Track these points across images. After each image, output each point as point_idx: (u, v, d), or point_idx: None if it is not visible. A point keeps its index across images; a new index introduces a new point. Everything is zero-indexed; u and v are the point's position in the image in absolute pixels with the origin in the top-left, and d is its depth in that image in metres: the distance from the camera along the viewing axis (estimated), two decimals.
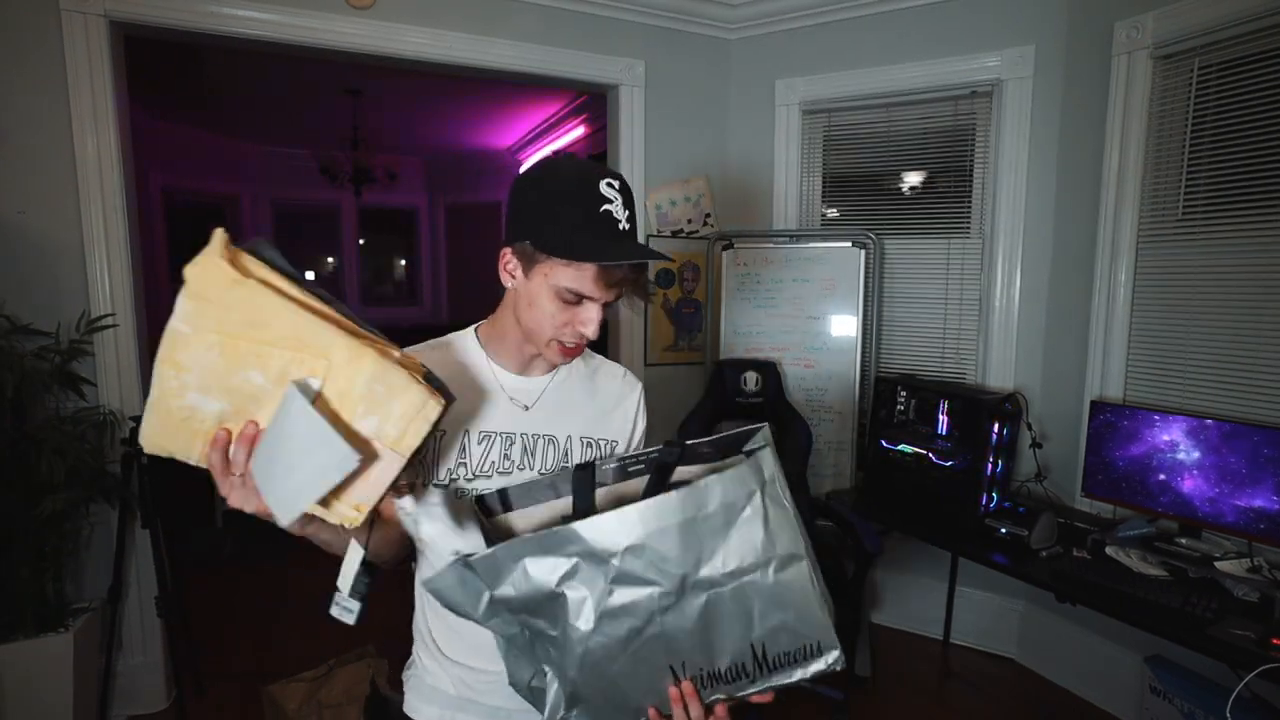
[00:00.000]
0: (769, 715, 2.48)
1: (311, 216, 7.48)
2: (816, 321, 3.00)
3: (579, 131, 5.46)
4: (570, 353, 1.02)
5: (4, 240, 2.17)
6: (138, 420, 2.29)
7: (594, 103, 4.76)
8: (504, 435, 1.07)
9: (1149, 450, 2.18)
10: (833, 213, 3.20)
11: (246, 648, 2.91)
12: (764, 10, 3.03)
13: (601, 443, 1.13)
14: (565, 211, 0.92)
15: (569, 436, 1.10)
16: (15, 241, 2.18)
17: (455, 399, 0.82)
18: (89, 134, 2.23)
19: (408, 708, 1.16)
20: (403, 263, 8.17)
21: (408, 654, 1.26)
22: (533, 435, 1.09)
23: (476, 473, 1.06)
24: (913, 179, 3.03)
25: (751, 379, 2.81)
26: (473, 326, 1.17)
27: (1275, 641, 1.62)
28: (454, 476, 1.06)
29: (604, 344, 3.21)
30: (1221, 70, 2.15)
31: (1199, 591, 1.86)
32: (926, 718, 2.53)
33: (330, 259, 7.77)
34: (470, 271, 7.84)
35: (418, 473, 1.04)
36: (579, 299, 0.95)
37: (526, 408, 1.09)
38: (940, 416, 2.51)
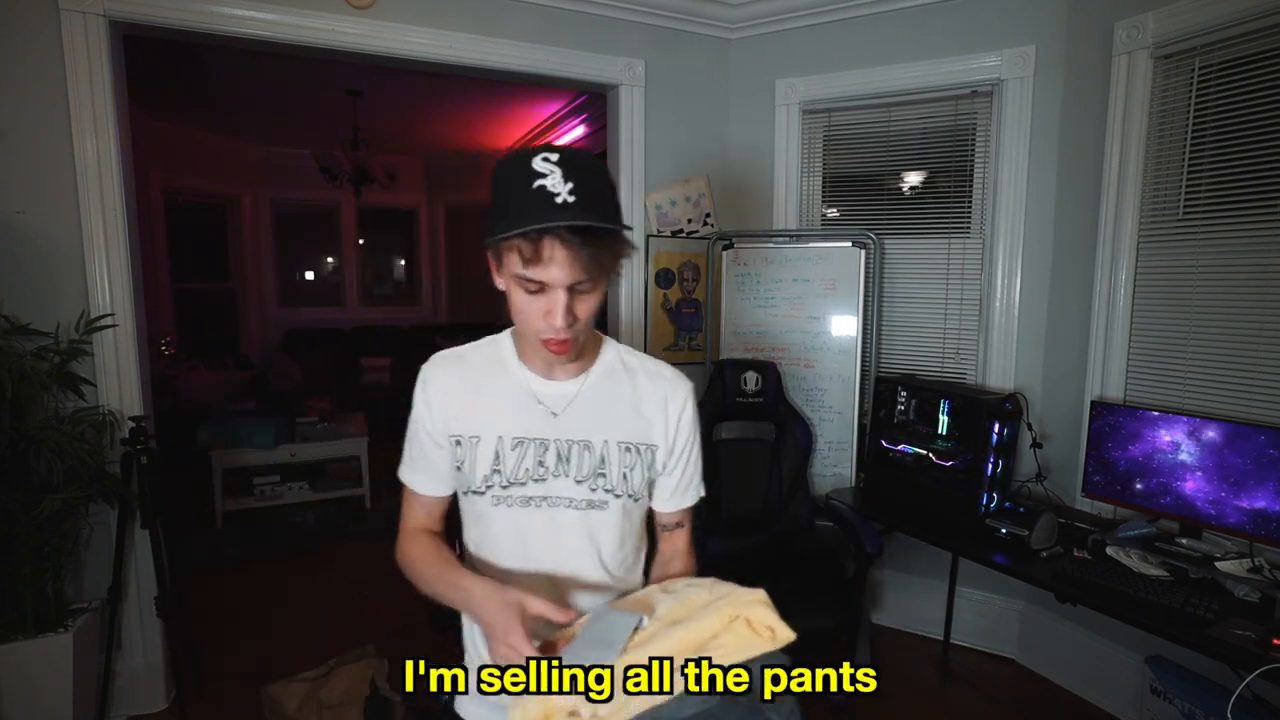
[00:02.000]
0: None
1: (311, 216, 7.49)
2: (817, 321, 3.00)
3: (579, 131, 5.46)
4: (557, 348, 0.97)
5: (3, 240, 2.17)
6: (137, 420, 2.29)
7: (594, 102, 4.77)
8: (537, 441, 1.05)
9: (1150, 450, 2.18)
10: (833, 213, 3.20)
11: (246, 648, 2.91)
12: (764, 10, 3.03)
13: (641, 448, 1.09)
14: (500, 196, 0.92)
15: (605, 441, 1.06)
16: (14, 241, 2.18)
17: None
18: (88, 134, 2.22)
19: (459, 707, 1.16)
20: (402, 263, 8.18)
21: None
22: (565, 441, 1.05)
23: (511, 479, 1.05)
24: (913, 179, 3.03)
25: (751, 379, 2.81)
26: (512, 327, 1.12)
27: (1276, 642, 1.62)
28: (490, 484, 1.05)
29: None
30: (1222, 70, 2.15)
31: (1200, 592, 1.86)
32: (927, 718, 2.53)
33: (330, 259, 7.77)
34: (470, 271, 7.84)
35: None
36: (539, 286, 0.91)
37: (555, 414, 1.06)
38: (940, 417, 2.51)
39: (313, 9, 2.45)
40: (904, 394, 2.63)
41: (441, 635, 2.20)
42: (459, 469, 1.09)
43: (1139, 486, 2.21)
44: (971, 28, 2.69)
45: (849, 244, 2.93)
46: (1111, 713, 2.48)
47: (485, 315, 7.55)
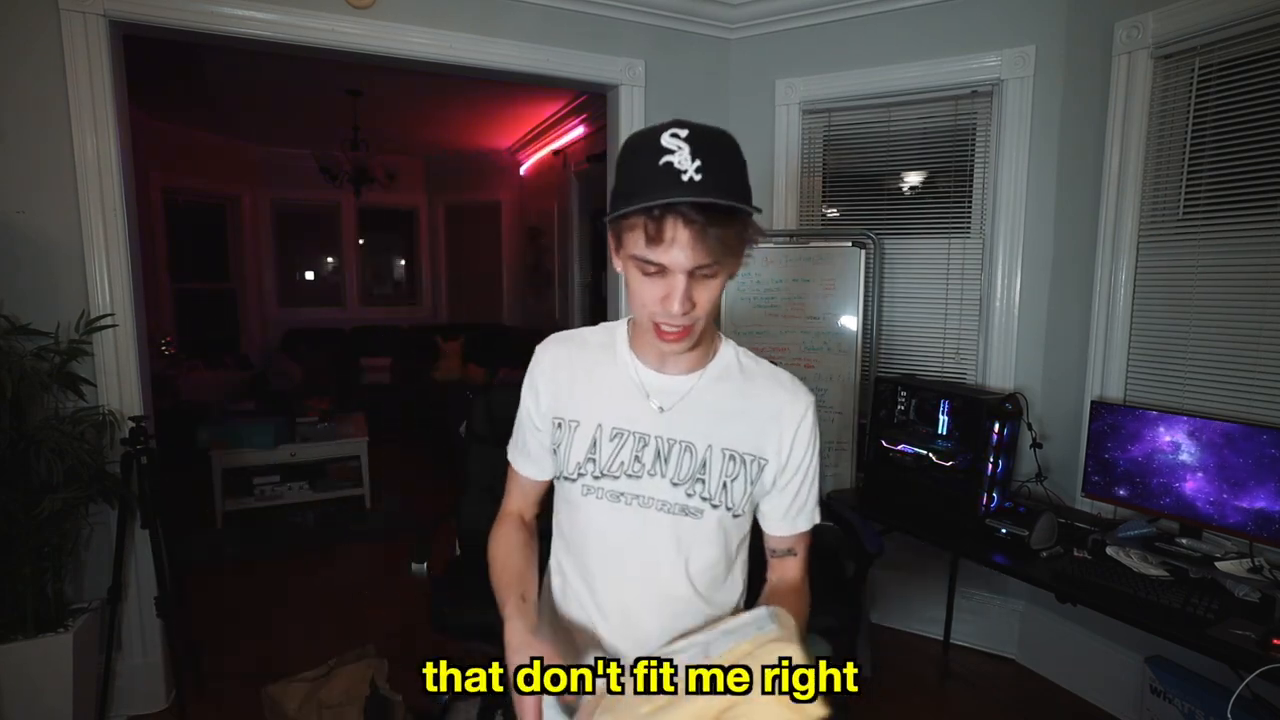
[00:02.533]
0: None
1: (311, 216, 7.49)
2: (817, 321, 3.00)
3: (579, 131, 5.46)
4: (670, 337, 0.92)
5: (4, 240, 2.17)
6: (137, 420, 2.29)
7: (594, 102, 4.76)
8: (637, 435, 1.01)
9: (1150, 450, 2.18)
10: (833, 212, 3.20)
11: (246, 648, 2.91)
12: (764, 10, 3.03)
13: (748, 459, 1.02)
14: (626, 174, 0.88)
15: (709, 446, 1.00)
16: (15, 241, 2.18)
17: None
18: (89, 134, 2.22)
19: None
20: (402, 262, 8.18)
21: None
22: (667, 440, 1.00)
23: (604, 471, 1.01)
24: (913, 179, 3.03)
25: None
26: (629, 315, 1.08)
27: (1276, 642, 1.62)
28: (582, 472, 1.02)
29: None
30: (1222, 70, 2.15)
31: (1200, 592, 1.86)
32: (927, 718, 2.53)
33: (330, 259, 7.77)
34: (470, 271, 7.84)
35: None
36: (658, 268, 0.87)
37: (662, 409, 1.01)
38: (941, 416, 2.51)
39: (312, 9, 2.45)
40: (904, 394, 2.63)
41: (441, 635, 2.21)
42: (555, 452, 1.06)
43: (1139, 486, 2.21)
44: (971, 28, 2.69)
45: (849, 244, 2.93)
46: (1111, 713, 2.48)
47: (486, 315, 7.57)
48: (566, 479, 1.05)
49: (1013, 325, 2.74)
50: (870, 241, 2.92)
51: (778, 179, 3.15)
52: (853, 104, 3.01)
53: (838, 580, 2.45)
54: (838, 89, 2.99)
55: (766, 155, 3.15)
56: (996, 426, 2.41)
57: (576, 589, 1.08)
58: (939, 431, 2.51)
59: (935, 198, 2.97)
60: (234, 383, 6.08)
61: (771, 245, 3.10)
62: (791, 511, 1.07)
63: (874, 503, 2.70)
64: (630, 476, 1.00)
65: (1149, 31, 2.26)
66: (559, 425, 1.05)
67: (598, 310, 5.49)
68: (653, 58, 3.03)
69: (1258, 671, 1.56)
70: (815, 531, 1.13)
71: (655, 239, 0.84)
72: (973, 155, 2.82)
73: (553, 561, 1.15)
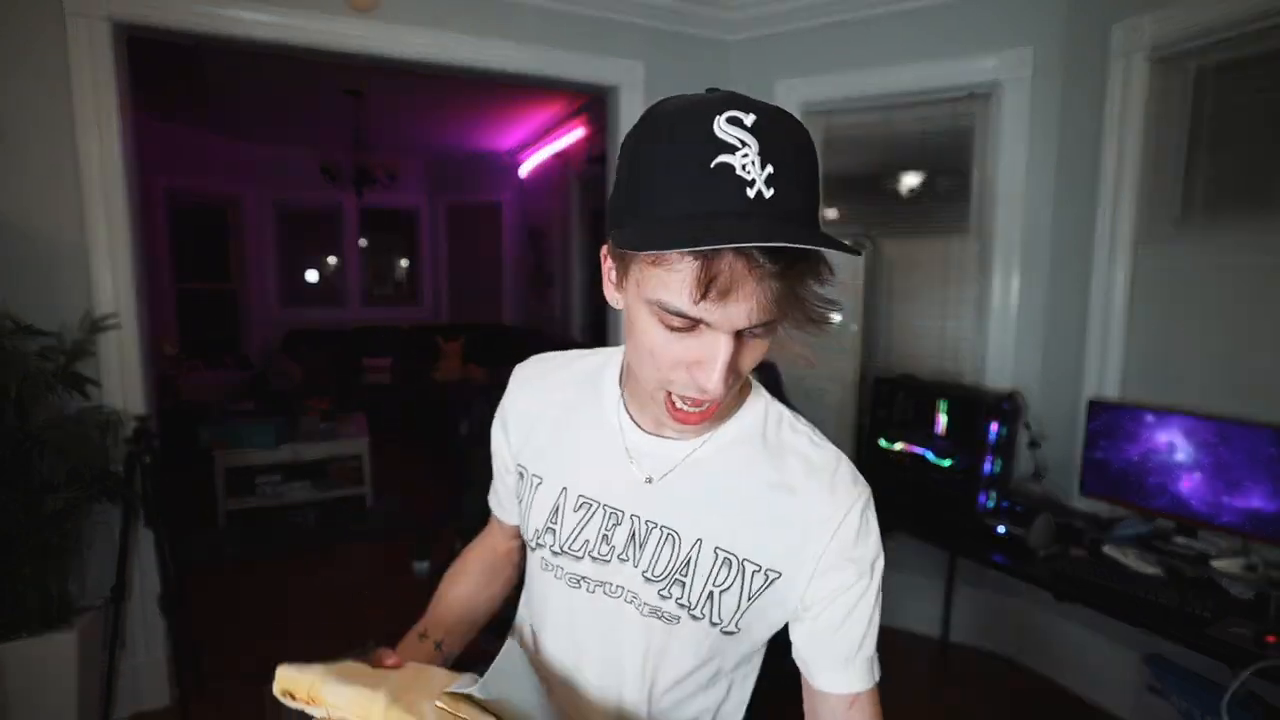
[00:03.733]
0: (768, 716, 2.50)
1: (313, 217, 7.50)
2: None
3: (579, 133, 5.48)
4: (690, 418, 0.67)
5: (7, 241, 2.18)
6: (141, 420, 2.31)
7: (594, 104, 4.78)
8: (609, 510, 0.78)
9: (1146, 450, 2.19)
10: (832, 214, 3.21)
11: (249, 646, 2.92)
12: (764, 12, 3.04)
13: (748, 567, 0.74)
14: (658, 177, 0.59)
15: (698, 541, 0.75)
16: (18, 242, 2.20)
17: None
18: (92, 136, 2.24)
19: None
20: (404, 263, 8.19)
21: None
22: (646, 521, 0.76)
23: (564, 547, 0.80)
24: (911, 180, 3.04)
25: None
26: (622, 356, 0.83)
27: (1270, 639, 1.63)
28: (540, 542, 0.82)
29: None
30: (1219, 72, 2.16)
31: (1196, 590, 1.87)
32: (924, 717, 2.54)
33: (332, 259, 7.79)
34: (471, 272, 7.86)
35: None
36: (691, 323, 0.60)
37: (650, 479, 0.77)
38: (938, 416, 2.52)
39: (315, 11, 2.46)
40: (902, 393, 2.64)
41: None
42: (519, 502, 0.88)
43: (1136, 486, 2.22)
44: (970, 30, 2.70)
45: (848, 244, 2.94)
46: (1109, 710, 2.49)
47: (487, 316, 7.58)
48: (527, 544, 0.87)
49: (1010, 325, 2.75)
50: (869, 242, 2.93)
51: None
52: (852, 106, 3.02)
53: None
54: (837, 91, 3.00)
55: None
56: (994, 426, 2.42)
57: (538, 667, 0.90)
58: (937, 431, 2.52)
59: (934, 199, 2.98)
60: (235, 383, 6.10)
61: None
62: (843, 659, 0.77)
63: (872, 502, 2.71)
64: (596, 560, 0.78)
65: (1147, 34, 2.27)
66: (521, 476, 0.86)
67: (598, 312, 5.50)
68: (652, 59, 3.04)
69: (1253, 668, 1.58)
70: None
71: (706, 282, 0.56)
72: (971, 156, 2.83)
73: (518, 624, 0.98)
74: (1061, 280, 2.63)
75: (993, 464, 2.44)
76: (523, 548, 0.99)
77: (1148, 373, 2.37)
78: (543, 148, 6.28)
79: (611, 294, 0.70)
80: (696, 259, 0.56)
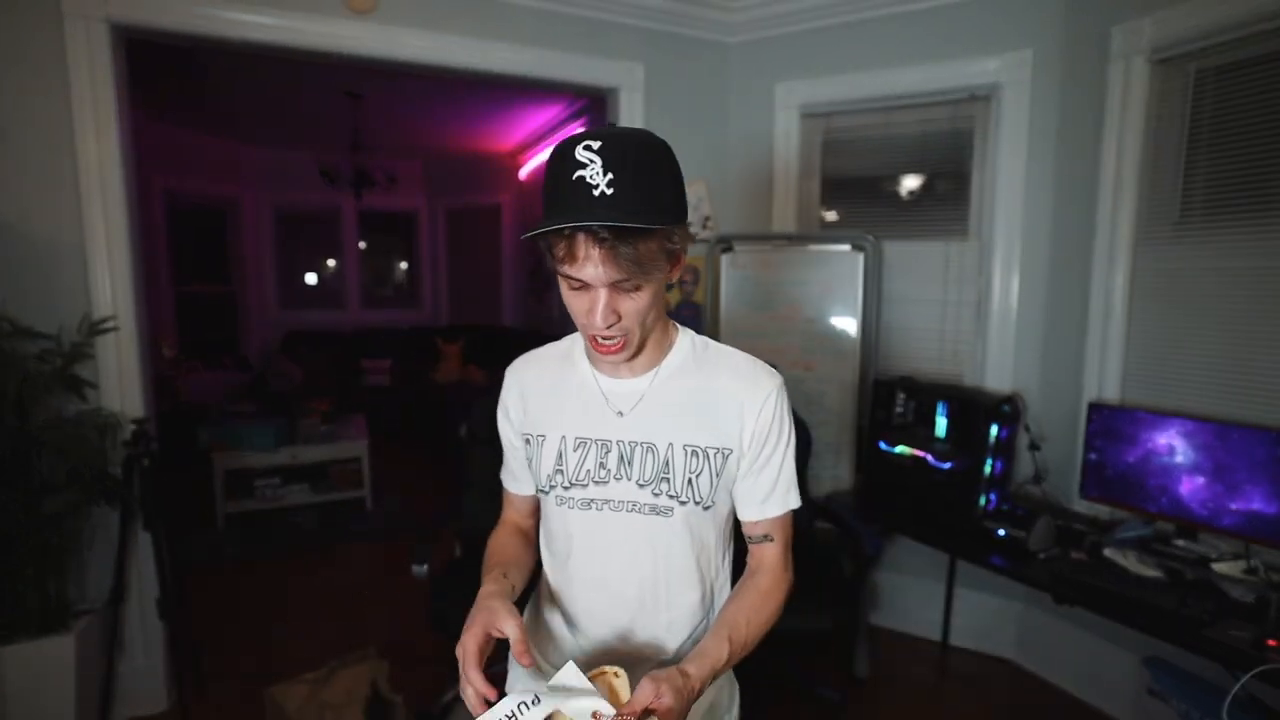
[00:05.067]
0: (767, 717, 2.49)
1: (312, 219, 7.50)
2: (815, 324, 3.01)
3: None
4: (605, 349, 0.94)
5: (5, 243, 2.18)
6: (139, 422, 2.30)
7: (594, 106, 4.78)
8: (600, 443, 1.02)
9: (1146, 452, 2.19)
10: (832, 216, 3.21)
11: (248, 649, 2.92)
12: (763, 14, 3.04)
13: (710, 452, 1.01)
14: (547, 188, 0.88)
15: (670, 445, 1.00)
16: (17, 244, 2.20)
17: None
18: (91, 137, 2.24)
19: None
20: (403, 265, 8.19)
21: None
22: (629, 443, 1.01)
23: (573, 480, 1.03)
24: (911, 182, 3.04)
25: None
26: None
27: (1271, 643, 1.63)
28: (553, 484, 1.04)
29: None
30: (1218, 74, 2.16)
31: (1196, 593, 1.87)
32: (924, 718, 2.54)
33: (331, 262, 7.78)
34: (470, 274, 7.85)
35: None
36: (580, 282, 0.87)
37: (621, 413, 1.02)
38: (939, 419, 2.52)
39: (313, 13, 2.46)
40: (902, 396, 2.64)
41: (441, 635, 2.22)
42: (529, 465, 1.09)
43: (1136, 488, 2.22)
44: (969, 32, 2.71)
45: (848, 247, 2.95)
46: (1108, 713, 2.49)
47: (486, 317, 7.57)
48: (541, 492, 1.07)
49: (1010, 327, 2.75)
50: (869, 244, 2.93)
51: (777, 182, 3.16)
52: (851, 108, 3.02)
53: (836, 582, 2.46)
54: (837, 93, 3.00)
55: (765, 158, 3.16)
56: (994, 428, 2.42)
57: (553, 598, 1.11)
58: (937, 433, 2.52)
59: (933, 201, 2.98)
60: (234, 385, 6.09)
61: (770, 248, 3.11)
62: (762, 497, 1.04)
63: (872, 505, 2.71)
64: (598, 483, 1.01)
65: (1146, 36, 2.27)
66: (528, 441, 1.08)
67: None
68: (652, 61, 3.04)
69: (1253, 672, 1.58)
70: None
71: (569, 258, 0.85)
72: (970, 158, 2.83)
73: (541, 581, 1.17)
74: (1061, 282, 2.63)
75: (993, 466, 2.44)
76: (537, 524, 1.18)
77: (1148, 375, 2.37)
78: (542, 150, 6.28)
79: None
80: (567, 240, 0.84)
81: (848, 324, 2.95)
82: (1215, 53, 2.15)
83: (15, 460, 2.07)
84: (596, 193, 0.82)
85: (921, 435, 2.56)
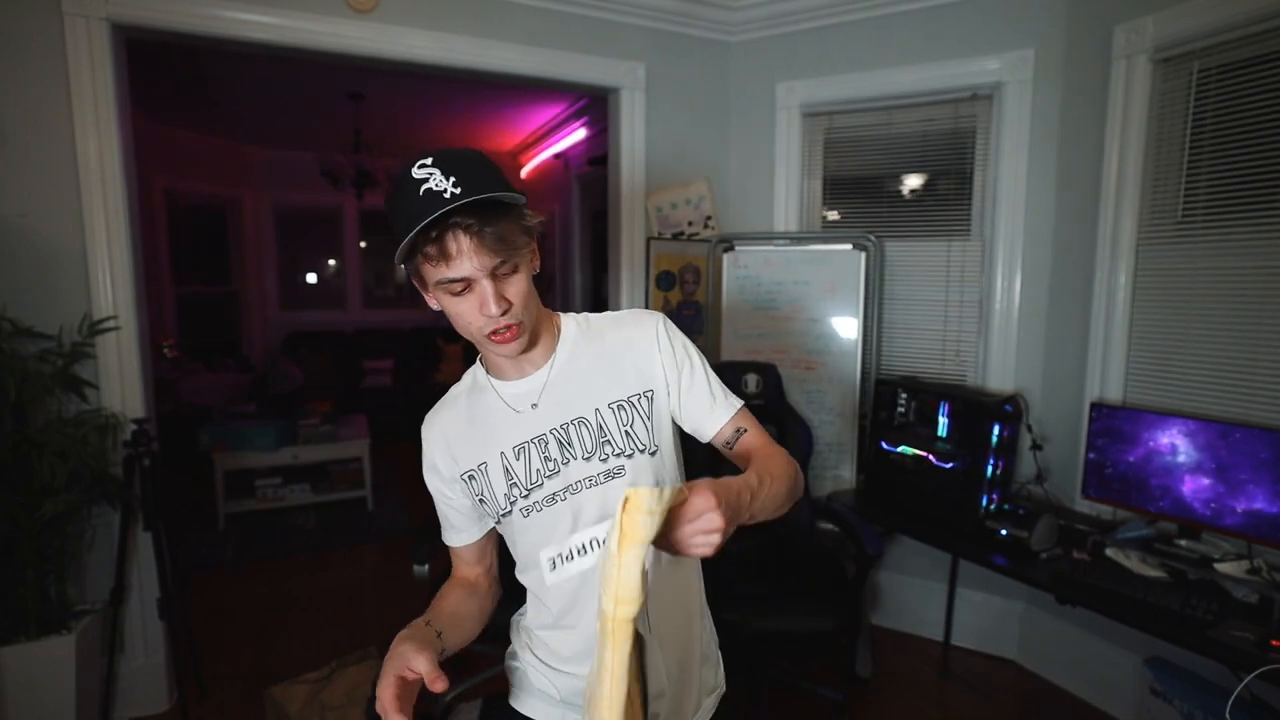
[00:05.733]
0: (769, 716, 2.49)
1: (313, 219, 7.50)
2: (817, 324, 3.01)
3: (580, 134, 5.47)
4: (502, 339, 0.97)
5: (6, 243, 2.18)
6: (139, 422, 2.30)
7: (595, 106, 4.78)
8: (535, 440, 1.05)
9: (1149, 452, 2.19)
10: (833, 215, 3.21)
11: (248, 650, 2.92)
12: (765, 14, 3.04)
13: (634, 398, 1.06)
14: (396, 217, 0.92)
15: (595, 410, 1.04)
16: (17, 244, 2.19)
17: None
18: (91, 137, 2.24)
19: (515, 701, 1.16)
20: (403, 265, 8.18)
21: None
22: (560, 426, 1.04)
23: (530, 485, 1.05)
24: (913, 182, 3.03)
25: (752, 381, 2.82)
26: (480, 354, 1.13)
27: (1275, 643, 1.62)
28: (512, 499, 1.06)
29: None
30: (1221, 73, 2.15)
31: (1199, 593, 1.86)
32: (926, 719, 2.54)
33: (332, 261, 7.78)
34: None
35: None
36: (463, 283, 0.92)
37: (535, 405, 1.06)
38: (941, 418, 2.51)
39: (314, 13, 2.46)
40: (904, 396, 2.64)
41: None
42: (481, 501, 1.09)
43: (1138, 488, 2.21)
44: (971, 31, 2.70)
45: (849, 246, 2.94)
46: (1111, 714, 2.48)
47: None
48: (504, 515, 1.08)
49: (1012, 327, 2.75)
50: (870, 244, 2.93)
51: (778, 182, 3.16)
52: (853, 107, 3.02)
53: (838, 582, 2.45)
54: (838, 92, 3.00)
55: (767, 158, 3.16)
56: (996, 428, 2.41)
57: (538, 611, 1.12)
58: (939, 433, 2.51)
59: (935, 200, 2.97)
60: (235, 385, 6.09)
61: (772, 248, 3.11)
62: (706, 408, 1.08)
63: (874, 504, 2.70)
64: (550, 476, 1.04)
65: (1148, 35, 2.26)
66: (471, 478, 1.08)
67: (599, 310, 5.48)
68: (654, 61, 3.04)
69: (1256, 672, 1.57)
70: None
71: (443, 257, 0.90)
72: (972, 158, 2.83)
73: (521, 614, 1.19)
74: (1063, 282, 2.63)
75: (995, 466, 2.43)
76: (488, 571, 1.20)
77: (1150, 375, 2.36)
78: (544, 149, 6.28)
79: (431, 304, 1.00)
80: (437, 243, 0.89)
81: (849, 324, 2.95)
82: (1218, 52, 2.15)
83: (15, 461, 2.07)
84: (447, 195, 0.87)
85: (923, 435, 2.55)
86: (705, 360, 1.11)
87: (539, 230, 0.99)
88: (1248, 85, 2.09)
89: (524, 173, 6.96)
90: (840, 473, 3.01)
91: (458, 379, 1.18)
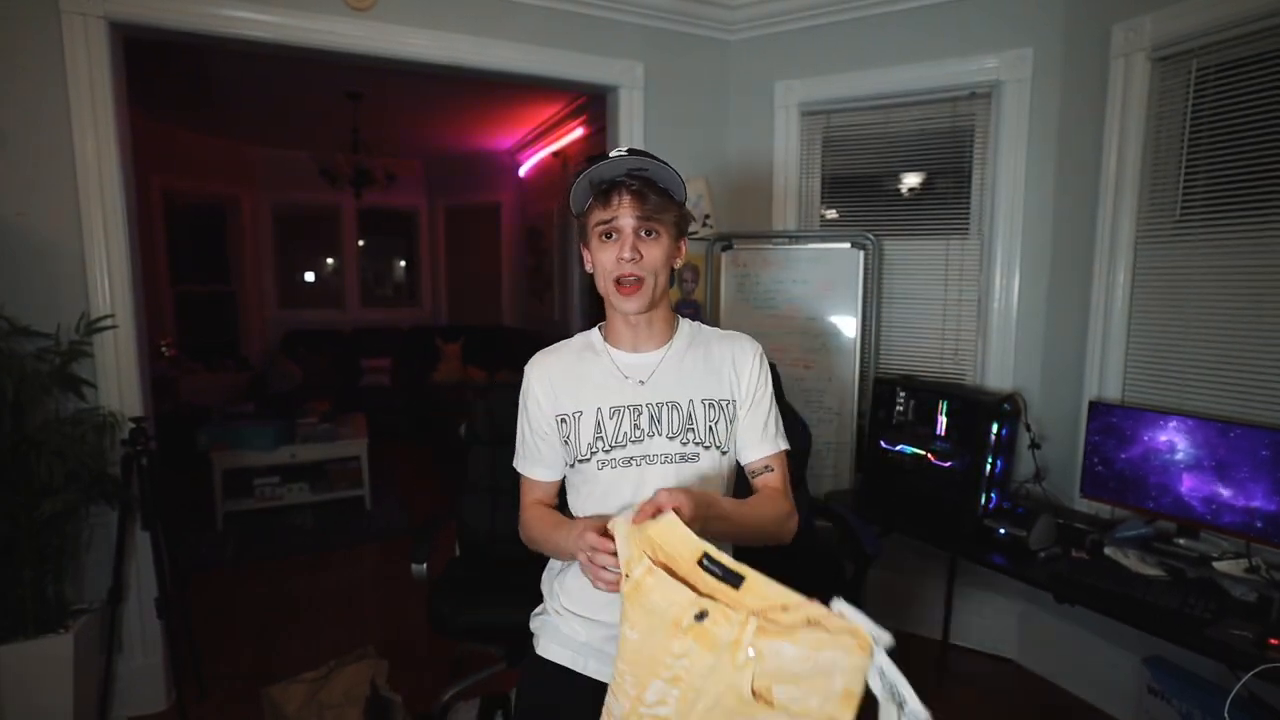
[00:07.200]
0: None
1: (312, 219, 7.49)
2: (815, 323, 3.01)
3: (578, 133, 5.47)
4: (627, 289, 1.15)
5: (3, 241, 2.17)
6: (137, 421, 2.30)
7: (593, 104, 4.77)
8: (631, 408, 1.20)
9: (1147, 451, 2.19)
10: (832, 214, 3.21)
11: (247, 649, 2.91)
12: (763, 12, 3.04)
13: (723, 403, 1.22)
14: (584, 173, 1.15)
15: (690, 400, 1.20)
16: (15, 243, 2.19)
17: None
18: (89, 135, 2.23)
19: (541, 649, 1.28)
20: (402, 264, 8.18)
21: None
22: (656, 404, 1.20)
23: (613, 443, 1.19)
24: (912, 180, 3.03)
25: None
26: (600, 323, 1.32)
27: (1273, 642, 1.62)
28: (594, 450, 1.19)
29: None
30: (1219, 72, 2.15)
31: (1197, 592, 1.87)
32: None
33: (330, 260, 7.78)
34: (470, 273, 7.85)
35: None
36: (614, 230, 1.14)
37: (643, 382, 1.21)
38: (939, 417, 2.51)
39: (312, 11, 2.45)
40: (902, 395, 2.63)
41: (441, 635, 2.21)
42: (566, 443, 1.22)
43: (1137, 487, 2.21)
44: (970, 30, 2.70)
45: (848, 245, 2.94)
46: (1109, 713, 2.48)
47: (486, 317, 7.57)
48: (581, 461, 1.21)
49: (1011, 326, 2.75)
50: (869, 243, 2.93)
51: (777, 180, 3.16)
52: (852, 106, 3.02)
53: (836, 581, 2.45)
54: (837, 91, 2.99)
55: (766, 157, 3.16)
56: (995, 427, 2.41)
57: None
58: (937, 432, 2.51)
59: (934, 199, 2.97)
60: (234, 385, 6.08)
61: (770, 246, 3.11)
62: (758, 438, 1.24)
63: (873, 503, 2.70)
64: (634, 442, 1.19)
65: (1147, 34, 2.26)
66: (563, 421, 1.22)
67: (597, 312, 5.48)
68: (652, 59, 3.03)
69: (1254, 671, 1.57)
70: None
71: (606, 204, 1.14)
72: (971, 157, 2.83)
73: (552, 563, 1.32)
74: (1062, 280, 2.63)
75: (993, 465, 2.43)
76: (557, 507, 1.33)
77: (1148, 373, 2.36)
78: (542, 148, 6.27)
79: (588, 265, 1.22)
80: (605, 194, 1.15)
81: (848, 322, 2.95)
82: (1216, 50, 2.15)
83: (13, 460, 2.06)
84: (625, 161, 1.12)
85: (922, 434, 2.55)
86: (775, 399, 1.28)
87: (686, 223, 1.22)
88: (1246, 84, 2.09)
89: (522, 171, 6.96)
90: (838, 472, 3.01)
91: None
